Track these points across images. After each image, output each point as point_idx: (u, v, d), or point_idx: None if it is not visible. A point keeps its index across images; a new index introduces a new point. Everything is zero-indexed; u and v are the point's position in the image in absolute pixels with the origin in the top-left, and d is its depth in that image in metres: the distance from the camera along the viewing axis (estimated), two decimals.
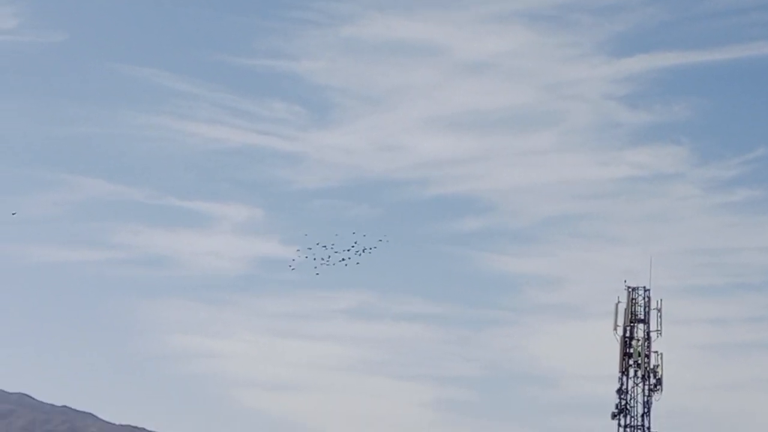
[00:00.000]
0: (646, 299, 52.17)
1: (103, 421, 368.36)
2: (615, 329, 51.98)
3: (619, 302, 52.03)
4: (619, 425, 51.85)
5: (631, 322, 51.09)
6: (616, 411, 51.63)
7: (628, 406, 49.67)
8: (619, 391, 51.80)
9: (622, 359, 51.31)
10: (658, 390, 51.33)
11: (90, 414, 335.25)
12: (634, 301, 51.72)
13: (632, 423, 51.14)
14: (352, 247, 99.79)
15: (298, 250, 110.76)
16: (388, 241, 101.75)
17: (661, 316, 51.87)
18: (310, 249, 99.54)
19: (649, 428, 50.83)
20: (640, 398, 49.99)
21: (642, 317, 52.03)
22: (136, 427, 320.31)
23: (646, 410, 51.20)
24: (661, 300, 52.35)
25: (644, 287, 52.12)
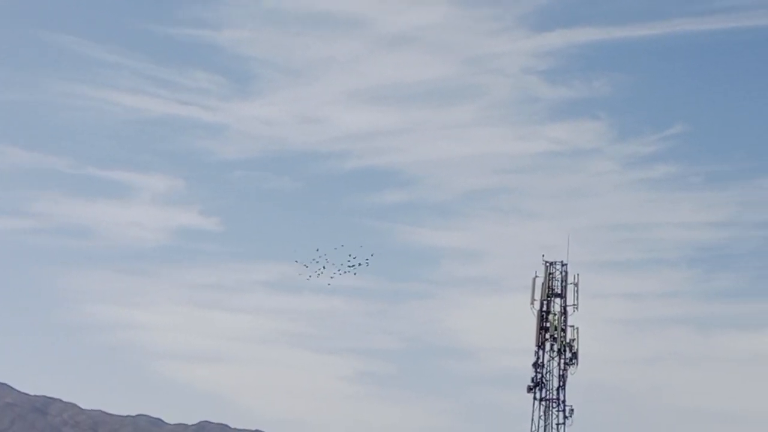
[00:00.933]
0: (563, 274, 52.45)
1: (19, 391, 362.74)
2: (532, 303, 52.17)
3: (536, 277, 52.20)
4: (535, 398, 52.09)
5: (548, 296, 51.32)
6: (532, 384, 51.87)
7: (544, 380, 49.90)
8: (536, 365, 51.99)
9: (539, 333, 51.49)
10: (574, 364, 51.65)
11: (5, 384, 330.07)
12: (551, 275, 51.95)
13: (548, 396, 51.41)
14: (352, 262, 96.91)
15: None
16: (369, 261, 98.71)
17: (577, 291, 52.17)
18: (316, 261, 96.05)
19: (564, 401, 51.13)
20: (555, 372, 50.25)
21: (559, 292, 52.27)
22: (52, 398, 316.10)
23: (561, 384, 51.50)
24: (577, 275, 52.68)
25: (561, 262, 52.40)
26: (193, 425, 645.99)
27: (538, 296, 50.88)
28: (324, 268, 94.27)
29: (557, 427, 51.29)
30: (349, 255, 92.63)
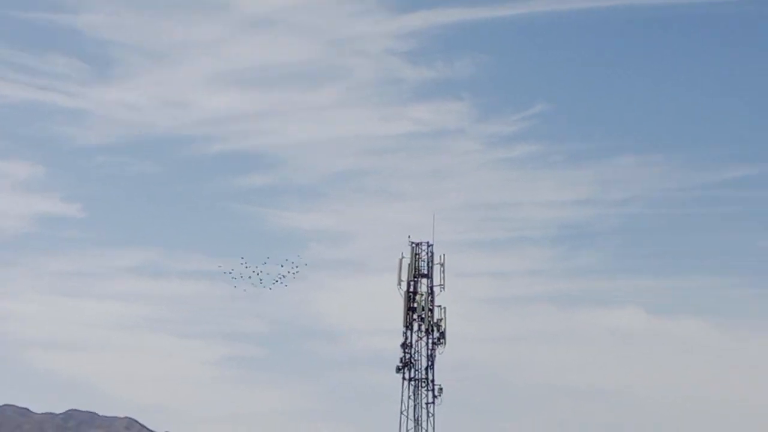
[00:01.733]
0: (430, 254, 52.62)
1: None
2: (399, 284, 52.17)
3: (402, 257, 52.26)
4: (404, 379, 52.20)
5: (414, 277, 51.42)
6: (401, 365, 51.94)
7: (412, 360, 50.01)
8: (404, 345, 52.09)
9: (406, 314, 51.57)
10: (442, 343, 51.93)
11: None
12: (417, 256, 52.06)
13: (416, 376, 51.56)
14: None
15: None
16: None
17: (444, 271, 52.43)
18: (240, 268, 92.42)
19: (432, 381, 51.37)
20: (424, 352, 50.39)
21: (425, 272, 52.45)
22: None
23: (429, 363, 51.72)
24: (444, 255, 52.90)
25: (427, 242, 52.53)
26: (60, 414, 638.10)
27: (404, 277, 50.91)
28: (260, 279, 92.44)
29: (426, 407, 51.52)
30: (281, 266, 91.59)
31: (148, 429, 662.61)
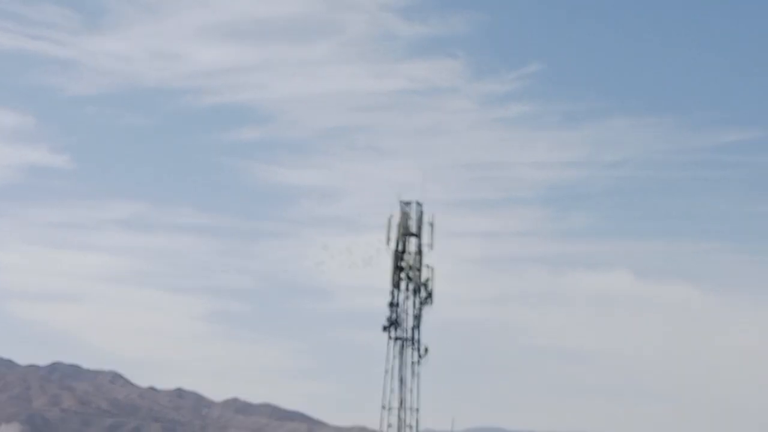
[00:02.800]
0: (419, 213, 52.26)
1: None
2: (387, 243, 52.05)
3: (392, 216, 51.96)
4: (390, 337, 51.94)
5: (403, 235, 51.19)
6: (388, 323, 51.67)
7: (399, 319, 49.75)
8: (391, 304, 51.81)
9: (394, 273, 51.27)
10: (429, 303, 51.71)
11: None
12: (406, 215, 51.81)
13: (403, 335, 51.31)
14: None
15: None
16: None
17: (433, 231, 52.15)
18: None
19: (419, 340, 51.14)
20: (411, 311, 50.16)
21: (414, 231, 52.11)
22: None
23: (416, 323, 51.49)
24: (433, 214, 52.59)
25: (417, 201, 52.15)
26: (45, 366, 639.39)
27: (393, 236, 50.75)
28: None
29: (412, 366, 51.30)
30: None
31: (132, 383, 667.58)
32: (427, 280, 51.29)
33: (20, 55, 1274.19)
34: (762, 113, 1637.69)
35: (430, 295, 50.97)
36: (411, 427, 49.78)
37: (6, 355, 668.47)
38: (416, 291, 51.04)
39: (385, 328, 51.58)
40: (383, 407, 50.41)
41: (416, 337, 50.80)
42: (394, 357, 50.91)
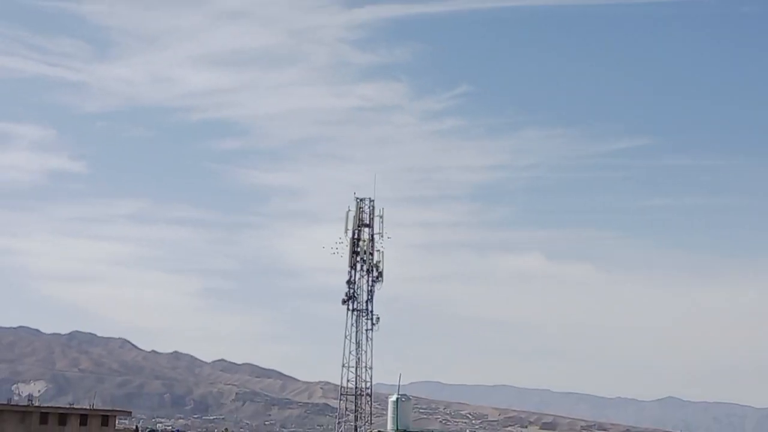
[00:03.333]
0: (371, 208, 55.06)
1: None
2: (346, 232, 54.85)
3: (349, 210, 54.68)
4: (348, 309, 54.83)
5: (358, 226, 53.97)
6: (346, 298, 54.53)
7: (355, 294, 52.70)
8: (349, 282, 54.65)
9: (351, 256, 54.12)
10: (380, 281, 54.57)
11: None
12: (361, 209, 54.53)
13: (358, 307, 54.25)
14: None
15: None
16: None
17: (383, 222, 55.13)
18: None
19: (371, 311, 54.09)
20: (365, 287, 53.19)
21: (367, 222, 54.97)
22: None
23: (369, 297, 54.42)
24: (383, 208, 55.53)
25: (370, 198, 55.00)
26: (65, 334, 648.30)
27: (350, 226, 53.59)
28: None
29: (366, 332, 54.24)
30: None
31: (137, 347, 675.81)
32: (378, 262, 54.16)
33: (42, 80, 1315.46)
34: (647, 124, 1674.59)
35: (380, 274, 53.86)
36: (366, 381, 52.52)
37: (33, 326, 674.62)
38: (369, 271, 53.92)
39: (344, 302, 54.47)
40: (343, 366, 53.25)
41: (369, 308, 53.72)
42: (351, 325, 53.76)
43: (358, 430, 49.58)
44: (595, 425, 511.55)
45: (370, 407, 51.90)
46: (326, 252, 56.00)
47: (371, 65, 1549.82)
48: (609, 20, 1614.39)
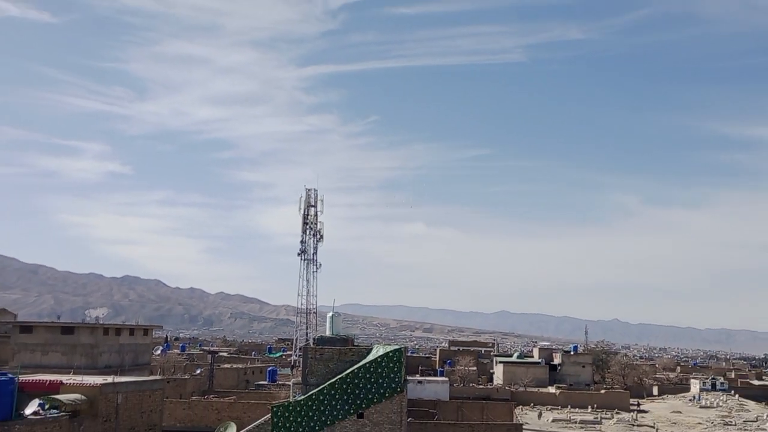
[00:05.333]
0: (315, 194, 52.46)
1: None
2: (299, 210, 52.20)
3: (301, 197, 52.14)
4: (301, 259, 52.19)
5: (307, 206, 51.31)
6: (300, 251, 51.91)
7: (305, 249, 50.12)
8: (301, 242, 52.00)
9: (303, 225, 51.52)
10: (321, 241, 52.03)
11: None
12: (309, 195, 51.98)
13: (307, 258, 51.61)
14: None
15: None
16: None
17: (323, 203, 52.61)
18: None
19: (316, 260, 51.56)
20: (311, 245, 50.65)
21: (313, 204, 52.37)
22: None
23: (314, 251, 51.85)
24: (323, 195, 53.04)
25: (314, 188, 52.44)
26: (119, 277, 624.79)
27: (302, 206, 50.87)
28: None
29: (312, 273, 51.55)
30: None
31: (167, 285, 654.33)
32: (320, 228, 51.65)
33: (102, 113, 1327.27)
34: (488, 141, 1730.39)
35: (321, 236, 51.41)
36: (313, 305, 50.05)
37: (98, 272, 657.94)
38: (314, 234, 51.32)
39: (298, 254, 51.84)
40: (298, 294, 50.57)
41: (315, 258, 51.16)
42: (303, 269, 51.13)
43: (308, 335, 46.74)
44: (455, 329, 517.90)
45: (315, 320, 49.02)
46: (288, 222, 53.65)
47: (314, 104, 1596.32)
48: (465, 74, 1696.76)
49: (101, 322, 57.44)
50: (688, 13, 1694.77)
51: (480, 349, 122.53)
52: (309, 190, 52.29)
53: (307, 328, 48.86)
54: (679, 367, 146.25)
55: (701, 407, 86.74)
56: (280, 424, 27.67)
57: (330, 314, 39.83)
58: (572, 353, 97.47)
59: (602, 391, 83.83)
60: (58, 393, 22.13)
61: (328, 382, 28.19)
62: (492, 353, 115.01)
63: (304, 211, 51.31)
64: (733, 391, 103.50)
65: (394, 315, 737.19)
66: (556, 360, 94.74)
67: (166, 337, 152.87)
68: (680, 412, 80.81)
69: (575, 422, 66.22)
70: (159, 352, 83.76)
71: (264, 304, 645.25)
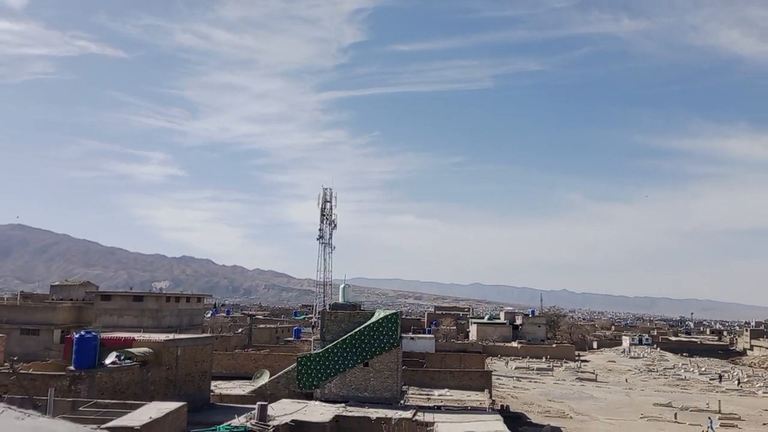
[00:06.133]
0: (331, 192, 51.87)
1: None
2: (318, 205, 51.67)
3: (320, 194, 51.58)
4: (319, 243, 51.88)
5: (324, 202, 50.84)
6: (318, 236, 51.60)
7: (323, 235, 49.72)
8: (320, 229, 51.55)
9: (321, 216, 51.03)
10: (335, 228, 51.57)
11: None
12: (326, 193, 51.57)
13: (324, 242, 51.30)
14: None
15: None
16: None
17: (336, 200, 51.88)
18: None
19: (331, 243, 51.09)
20: (327, 231, 50.08)
21: (329, 200, 51.82)
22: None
23: (330, 236, 51.41)
24: (337, 193, 52.50)
25: (330, 188, 51.82)
26: (178, 257, 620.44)
27: (320, 202, 50.32)
28: None
29: (329, 255, 51.27)
30: None
31: (215, 263, 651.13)
32: (334, 219, 51.32)
33: (164, 129, 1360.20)
34: (462, 150, 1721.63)
35: (335, 225, 51.08)
36: (329, 278, 49.99)
37: (161, 253, 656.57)
38: (330, 224, 50.94)
39: (317, 239, 51.49)
40: (317, 270, 50.30)
41: (330, 242, 50.81)
42: (321, 250, 50.83)
43: (325, 302, 46.81)
44: (439, 297, 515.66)
45: (330, 290, 49.03)
46: (309, 214, 53.14)
47: (329, 121, 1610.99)
48: (448, 98, 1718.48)
49: (164, 292, 57.40)
50: (622, 51, 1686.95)
51: (459, 312, 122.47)
52: (325, 189, 51.66)
53: (324, 297, 48.71)
54: (613, 327, 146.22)
55: (630, 358, 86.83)
56: (303, 371, 27.78)
57: (342, 286, 39.60)
58: (530, 316, 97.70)
59: (553, 346, 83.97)
60: (131, 347, 22.17)
61: (340, 339, 28.26)
62: (468, 316, 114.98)
63: (322, 206, 50.72)
64: (655, 345, 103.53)
65: (391, 286, 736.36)
66: (518, 321, 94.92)
67: (215, 303, 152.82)
68: (614, 362, 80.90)
69: (533, 369, 66.35)
70: (209, 315, 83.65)
71: (291, 278, 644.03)
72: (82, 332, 20.91)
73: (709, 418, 38.29)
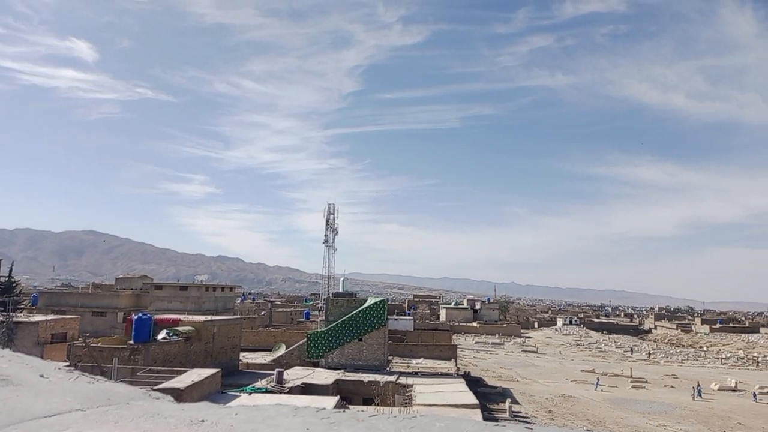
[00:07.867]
0: (334, 207, 51.63)
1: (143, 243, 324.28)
2: (323, 216, 51.47)
3: (325, 208, 51.39)
4: (325, 246, 51.64)
5: (328, 214, 50.66)
6: (324, 240, 51.22)
7: (327, 239, 48.94)
8: (325, 234, 51.29)
9: (326, 225, 50.85)
10: (337, 234, 51.31)
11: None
12: (330, 207, 51.47)
13: (328, 244, 51.03)
14: None
15: None
16: None
17: (338, 212, 51.51)
18: None
19: (334, 245, 50.82)
20: (331, 236, 49.43)
21: (332, 213, 51.70)
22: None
23: (333, 239, 50.96)
24: (338, 207, 51.77)
25: (333, 203, 51.62)
26: (214, 256, 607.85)
27: (325, 215, 50.02)
28: None
29: (333, 254, 50.92)
30: None
31: (243, 260, 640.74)
32: (336, 227, 51.16)
33: (204, 157, 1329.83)
34: (435, 174, 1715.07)
35: (337, 232, 50.98)
36: (331, 273, 49.72)
37: (202, 252, 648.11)
38: (333, 230, 50.75)
39: (323, 242, 51.29)
40: (323, 267, 50.00)
41: (333, 245, 50.65)
42: (326, 251, 50.65)
43: (329, 291, 46.24)
44: (417, 288, 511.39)
45: (333, 282, 48.50)
46: (316, 224, 52.79)
47: (333, 152, 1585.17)
48: (424, 135, 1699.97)
49: (204, 284, 56.69)
50: (557, 99, 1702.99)
51: (432, 299, 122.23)
52: (329, 204, 51.48)
53: (328, 287, 48.43)
54: (550, 311, 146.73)
55: (563, 335, 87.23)
56: (311, 344, 27.64)
57: (342, 278, 39.43)
58: (487, 302, 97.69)
59: (504, 325, 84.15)
60: (177, 326, 21.97)
61: (340, 320, 28.21)
62: (439, 303, 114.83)
63: (326, 217, 50.47)
64: (582, 325, 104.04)
65: (380, 279, 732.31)
66: (477, 306, 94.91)
67: (243, 292, 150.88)
68: (551, 337, 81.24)
69: (488, 344, 66.38)
70: (239, 301, 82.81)
71: (302, 272, 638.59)
72: (140, 314, 20.75)
73: (598, 378, 39.18)
